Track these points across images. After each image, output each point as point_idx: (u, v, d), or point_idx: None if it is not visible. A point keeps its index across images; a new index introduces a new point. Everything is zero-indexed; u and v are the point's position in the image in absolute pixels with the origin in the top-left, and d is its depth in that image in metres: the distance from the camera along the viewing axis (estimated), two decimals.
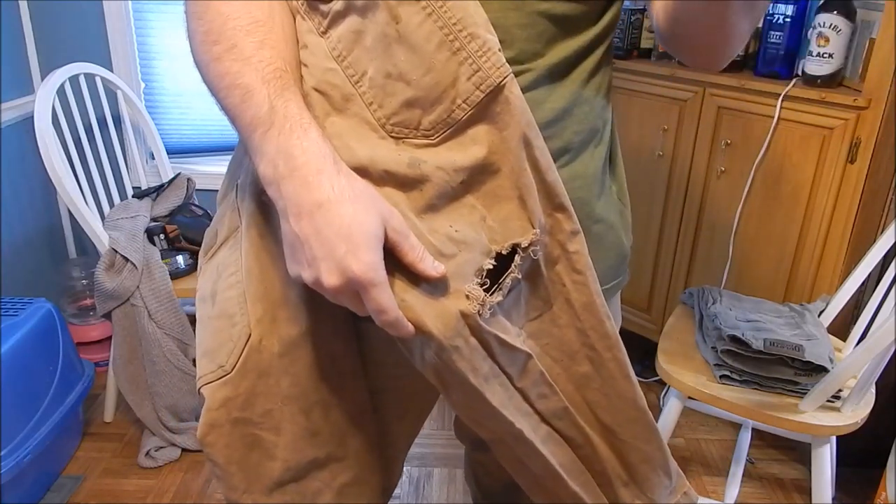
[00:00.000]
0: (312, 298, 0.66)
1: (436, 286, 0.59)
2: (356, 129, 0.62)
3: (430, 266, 0.58)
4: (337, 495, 0.75)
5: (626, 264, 0.81)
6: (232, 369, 0.67)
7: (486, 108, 0.60)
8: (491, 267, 0.61)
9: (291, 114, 0.58)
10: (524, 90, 0.63)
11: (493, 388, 0.64)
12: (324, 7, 0.63)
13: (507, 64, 0.59)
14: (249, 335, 0.67)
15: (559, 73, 0.67)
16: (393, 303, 0.56)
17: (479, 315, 0.59)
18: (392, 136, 0.62)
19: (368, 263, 0.54)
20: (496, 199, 0.62)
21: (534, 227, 0.62)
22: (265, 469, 0.71)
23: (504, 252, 0.62)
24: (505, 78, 0.59)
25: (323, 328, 0.68)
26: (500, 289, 0.62)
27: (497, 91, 0.59)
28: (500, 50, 0.59)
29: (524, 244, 0.62)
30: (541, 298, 0.68)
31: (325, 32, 0.63)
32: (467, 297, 0.59)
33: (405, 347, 0.63)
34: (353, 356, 0.72)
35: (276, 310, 0.67)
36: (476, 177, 0.62)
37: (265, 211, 0.68)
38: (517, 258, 0.62)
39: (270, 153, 0.57)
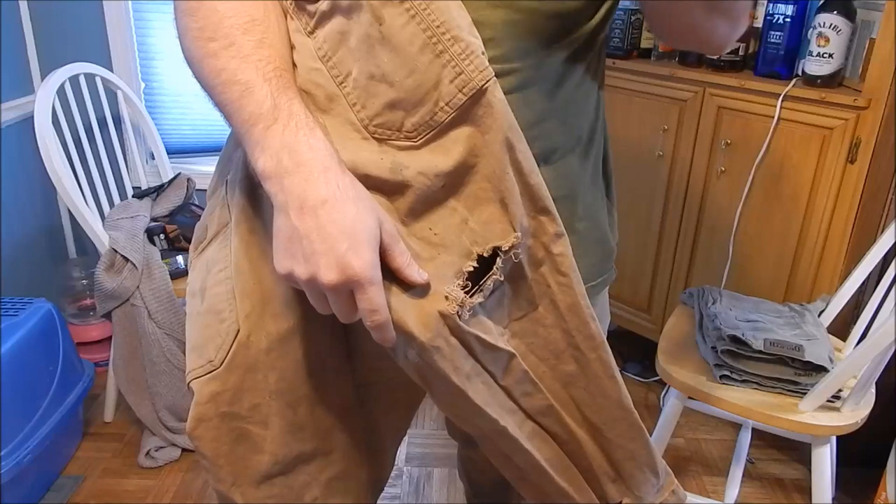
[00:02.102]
0: (302, 295, 0.66)
1: (416, 289, 0.60)
2: (340, 130, 0.62)
3: (416, 273, 0.59)
4: (324, 489, 0.76)
5: (612, 261, 0.82)
6: (220, 364, 0.68)
7: (469, 111, 0.60)
8: (472, 269, 0.62)
9: (296, 112, 0.58)
10: (514, 90, 0.63)
11: (476, 387, 0.65)
12: (311, 7, 0.63)
13: (490, 67, 0.59)
14: (238, 331, 0.68)
15: (550, 73, 0.67)
16: (385, 304, 0.57)
17: (458, 316, 0.60)
18: (375, 138, 0.62)
19: (369, 261, 0.55)
20: (478, 202, 0.62)
21: (515, 231, 0.62)
22: (253, 462, 0.71)
23: (485, 255, 0.62)
24: (488, 81, 0.59)
25: (311, 324, 0.69)
26: (482, 290, 0.63)
27: (479, 94, 0.59)
28: (483, 53, 0.59)
29: (505, 247, 0.62)
30: (526, 299, 0.68)
31: (311, 32, 0.64)
32: (446, 298, 0.60)
33: (388, 347, 0.64)
34: (340, 352, 0.73)
35: (265, 305, 0.68)
36: (458, 180, 0.62)
37: (256, 207, 0.69)
38: (499, 261, 0.63)
39: (274, 147, 0.57)
